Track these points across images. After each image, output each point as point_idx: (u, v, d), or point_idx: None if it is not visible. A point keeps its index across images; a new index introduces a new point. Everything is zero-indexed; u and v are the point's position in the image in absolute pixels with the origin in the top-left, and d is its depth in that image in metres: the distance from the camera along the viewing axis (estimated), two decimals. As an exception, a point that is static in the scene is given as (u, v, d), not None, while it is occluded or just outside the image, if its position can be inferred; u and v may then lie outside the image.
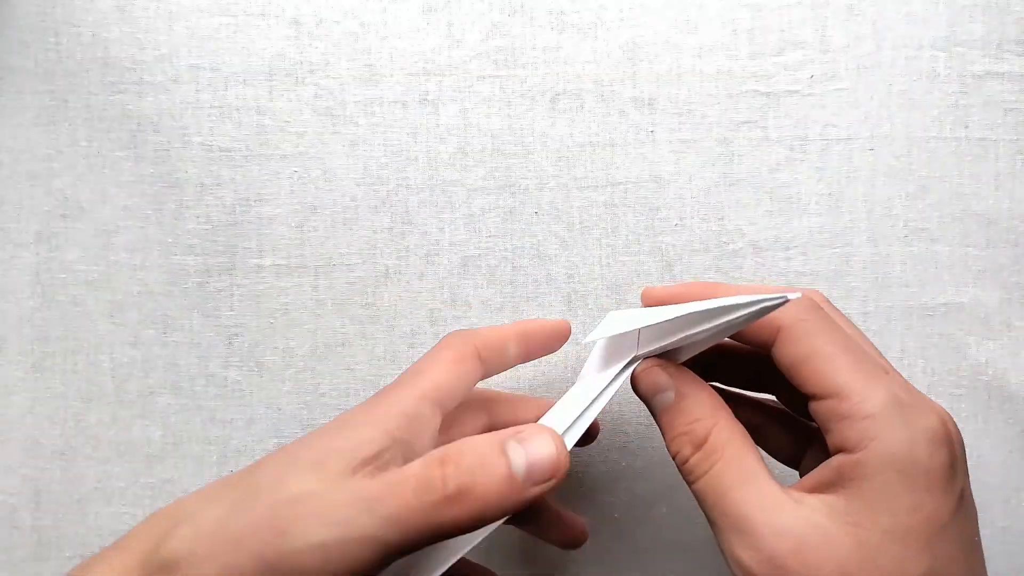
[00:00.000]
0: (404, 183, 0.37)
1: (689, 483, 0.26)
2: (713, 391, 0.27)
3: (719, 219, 0.37)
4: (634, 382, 0.28)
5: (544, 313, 0.37)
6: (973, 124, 0.37)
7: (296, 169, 0.37)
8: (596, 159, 0.37)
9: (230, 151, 0.37)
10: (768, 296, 0.24)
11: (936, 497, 0.23)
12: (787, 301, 0.23)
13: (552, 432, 0.24)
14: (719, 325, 0.25)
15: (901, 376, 0.26)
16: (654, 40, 0.37)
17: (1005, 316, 0.37)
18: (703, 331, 0.26)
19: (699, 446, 0.25)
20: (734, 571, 0.24)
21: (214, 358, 0.37)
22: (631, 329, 0.28)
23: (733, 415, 0.26)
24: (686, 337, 0.26)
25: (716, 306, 0.25)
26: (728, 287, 0.29)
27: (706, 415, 0.26)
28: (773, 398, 0.31)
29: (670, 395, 0.27)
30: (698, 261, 0.37)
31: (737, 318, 0.25)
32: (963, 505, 0.23)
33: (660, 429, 0.27)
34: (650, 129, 0.37)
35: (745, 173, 0.37)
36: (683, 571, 0.37)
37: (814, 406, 0.25)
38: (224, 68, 0.37)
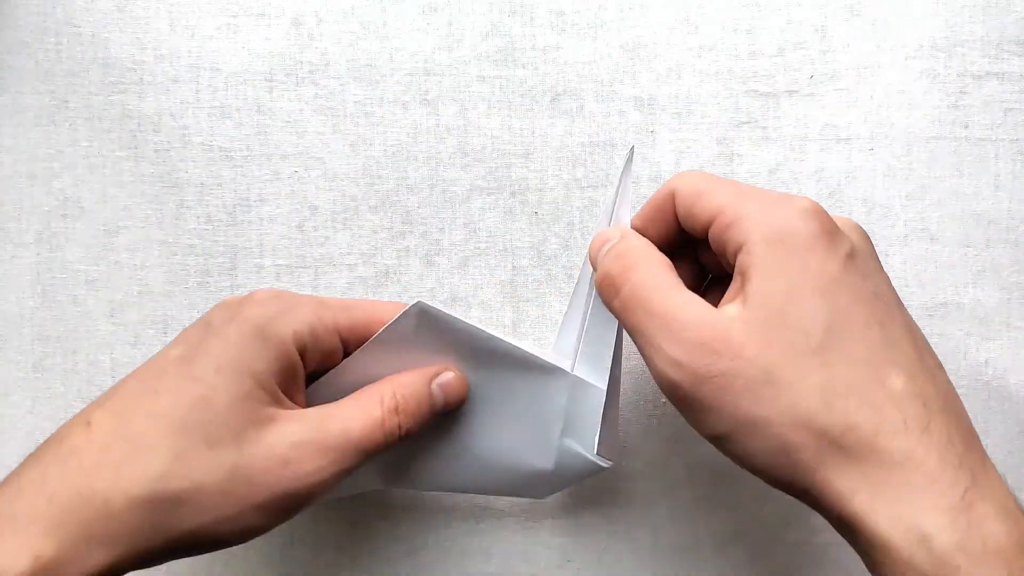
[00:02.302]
0: (404, 183, 0.37)
1: (611, 301, 0.28)
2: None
3: (719, 219, 0.37)
4: (589, 249, 0.31)
5: (543, 313, 0.37)
6: (973, 124, 0.37)
7: (296, 169, 0.37)
8: (596, 159, 0.37)
9: (230, 151, 0.37)
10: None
11: (819, 256, 0.25)
12: (632, 148, 0.30)
13: (457, 372, 0.32)
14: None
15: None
16: (654, 40, 0.37)
17: (1005, 316, 0.37)
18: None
19: (620, 258, 0.28)
20: (663, 370, 0.25)
21: (214, 358, 0.37)
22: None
23: (652, 245, 0.29)
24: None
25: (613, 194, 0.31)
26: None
27: (629, 238, 0.29)
28: None
29: (614, 238, 0.29)
30: (698, 261, 0.37)
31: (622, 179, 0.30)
32: (854, 266, 0.25)
33: (598, 272, 0.29)
34: (650, 129, 0.37)
35: (745, 173, 0.37)
36: (683, 571, 0.37)
37: (711, 235, 0.27)
38: (224, 68, 0.37)
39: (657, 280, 0.27)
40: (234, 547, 0.36)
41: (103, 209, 0.37)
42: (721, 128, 0.37)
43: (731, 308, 0.25)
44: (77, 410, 0.36)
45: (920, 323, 0.29)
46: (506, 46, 0.37)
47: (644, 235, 0.30)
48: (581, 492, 0.37)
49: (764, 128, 0.37)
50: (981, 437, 0.25)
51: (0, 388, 0.37)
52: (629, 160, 0.30)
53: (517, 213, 0.37)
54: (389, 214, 0.37)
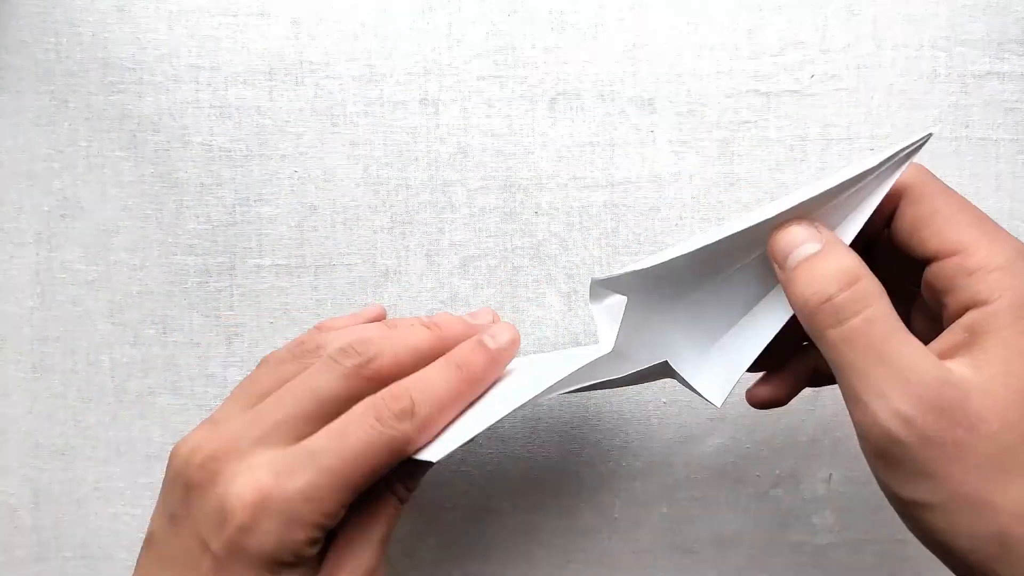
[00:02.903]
0: (404, 183, 0.37)
1: (826, 328, 0.24)
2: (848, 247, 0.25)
3: (719, 219, 0.37)
4: (774, 241, 0.26)
5: (544, 313, 0.37)
6: (974, 124, 0.37)
7: (296, 169, 0.37)
8: (596, 159, 0.37)
9: (230, 151, 0.37)
10: (904, 145, 0.24)
11: None
12: (929, 136, 0.24)
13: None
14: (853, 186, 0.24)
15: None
16: (654, 40, 0.37)
17: (1005, 316, 0.37)
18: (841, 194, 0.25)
19: (850, 284, 0.24)
20: (885, 422, 0.22)
21: (214, 358, 0.37)
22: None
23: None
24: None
25: (844, 178, 0.24)
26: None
27: (856, 263, 0.24)
28: None
29: (814, 245, 0.25)
30: (698, 261, 0.37)
31: (876, 173, 0.24)
32: None
33: (791, 282, 0.25)
34: (650, 129, 0.37)
35: (745, 173, 0.37)
36: (683, 571, 0.37)
37: (935, 267, 0.24)
38: (224, 68, 0.37)
39: (891, 323, 0.23)
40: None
41: (103, 209, 0.37)
42: (721, 128, 0.37)
43: (963, 370, 0.23)
44: (77, 410, 0.37)
45: None
46: (506, 46, 0.37)
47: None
48: (581, 492, 0.37)
49: (764, 128, 0.37)
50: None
51: (0, 388, 0.37)
52: (909, 152, 0.24)
53: (517, 213, 0.37)
54: (389, 214, 0.37)
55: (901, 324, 0.23)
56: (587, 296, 0.37)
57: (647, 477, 0.37)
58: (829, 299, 0.24)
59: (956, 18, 0.37)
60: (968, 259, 0.23)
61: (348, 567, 0.27)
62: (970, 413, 0.22)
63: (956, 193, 0.25)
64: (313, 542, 0.25)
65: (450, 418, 0.28)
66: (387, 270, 0.37)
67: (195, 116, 0.37)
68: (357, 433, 0.26)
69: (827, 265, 0.24)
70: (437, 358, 0.29)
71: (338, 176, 0.37)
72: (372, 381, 0.28)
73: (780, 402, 0.30)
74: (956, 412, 0.22)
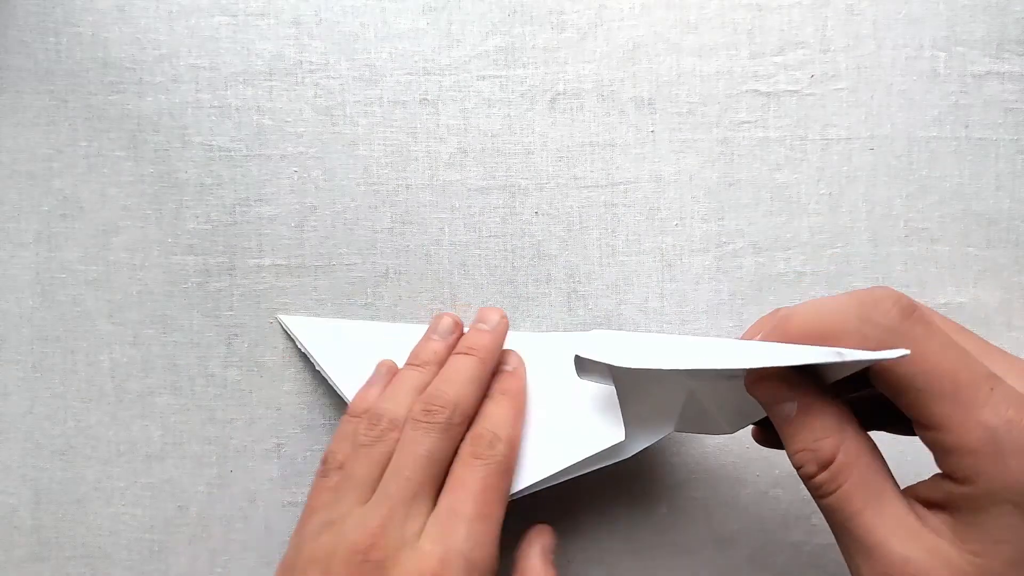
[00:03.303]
0: (404, 183, 0.37)
1: (815, 498, 0.25)
2: (838, 403, 0.25)
3: (719, 219, 0.37)
4: (751, 388, 0.27)
5: (544, 313, 0.37)
6: (973, 124, 0.37)
7: (296, 169, 0.37)
8: (596, 159, 0.37)
9: (230, 151, 0.37)
10: (878, 355, 0.23)
11: None
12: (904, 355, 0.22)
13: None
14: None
15: (1011, 374, 0.24)
16: (654, 40, 0.37)
17: (1005, 316, 0.37)
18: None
19: (825, 465, 0.24)
20: None
21: (214, 358, 0.37)
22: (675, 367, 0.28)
23: (860, 428, 0.25)
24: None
25: (811, 362, 0.24)
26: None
27: (832, 431, 0.25)
28: None
29: (792, 406, 0.25)
30: (698, 261, 0.37)
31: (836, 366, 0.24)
32: None
33: (781, 438, 0.26)
34: (650, 129, 0.37)
35: (745, 173, 0.37)
36: (683, 571, 0.37)
37: (917, 432, 0.24)
38: (224, 68, 0.37)
39: (865, 494, 0.24)
40: (233, 547, 0.36)
41: (102, 209, 0.37)
42: (721, 128, 0.37)
43: (945, 546, 0.23)
44: (77, 410, 0.37)
45: None
46: (506, 46, 0.37)
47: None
48: (581, 493, 0.37)
49: (764, 128, 0.37)
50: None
51: (0, 388, 0.37)
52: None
53: (517, 213, 0.37)
54: (389, 214, 0.37)
55: (876, 490, 0.24)
56: (587, 297, 0.37)
57: (647, 477, 0.37)
58: (811, 477, 0.25)
59: (956, 18, 0.37)
60: (940, 436, 0.23)
61: None
62: None
63: (934, 344, 0.24)
64: None
65: (520, 429, 0.33)
66: (387, 270, 0.37)
67: (195, 116, 0.37)
68: (473, 477, 0.29)
69: (804, 438, 0.25)
70: (485, 377, 0.33)
71: (338, 176, 0.37)
72: (462, 426, 0.31)
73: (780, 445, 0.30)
74: None
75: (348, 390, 0.35)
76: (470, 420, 0.32)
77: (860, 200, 0.37)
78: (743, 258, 0.37)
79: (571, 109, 0.37)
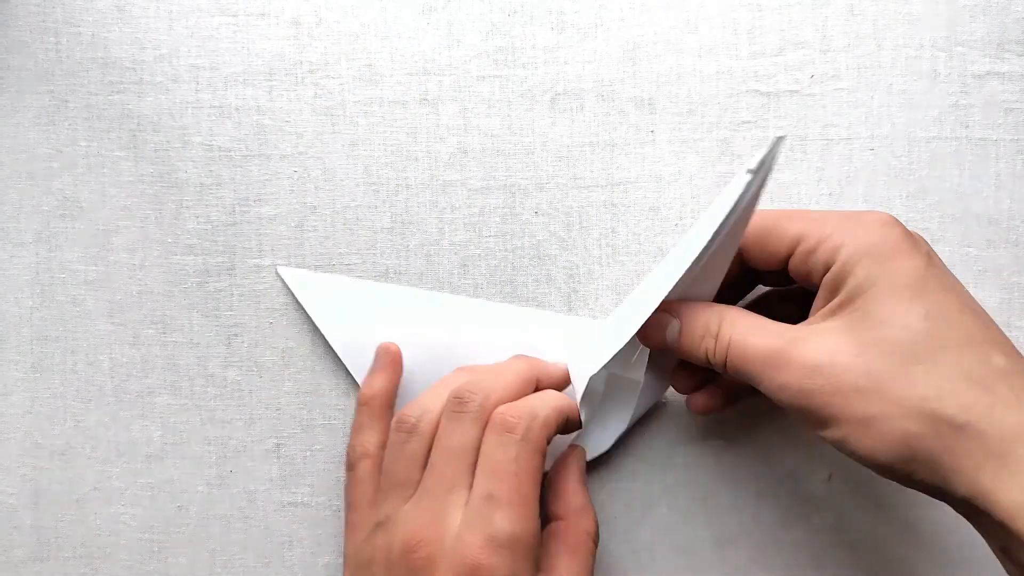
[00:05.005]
0: (404, 183, 0.37)
1: (723, 367, 0.29)
2: (709, 302, 0.30)
3: (719, 219, 0.37)
4: (642, 339, 0.31)
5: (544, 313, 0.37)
6: (973, 124, 0.37)
7: (296, 169, 0.37)
8: (596, 159, 0.37)
9: (230, 151, 0.37)
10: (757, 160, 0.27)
11: (905, 258, 0.27)
12: (781, 138, 0.27)
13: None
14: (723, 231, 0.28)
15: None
16: (654, 40, 0.37)
17: (1005, 316, 0.37)
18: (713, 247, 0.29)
19: (715, 335, 0.29)
20: (782, 400, 0.27)
21: (214, 358, 0.37)
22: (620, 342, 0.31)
23: (735, 307, 0.30)
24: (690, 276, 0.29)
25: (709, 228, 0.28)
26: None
27: (711, 314, 0.30)
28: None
29: (675, 323, 0.30)
30: (698, 261, 0.37)
31: (740, 204, 0.28)
32: (934, 262, 0.28)
33: (682, 354, 0.31)
34: (650, 129, 0.37)
35: (744, 174, 0.37)
36: (683, 571, 0.37)
37: (792, 264, 0.29)
38: (224, 68, 0.37)
39: (754, 329, 0.28)
40: (233, 548, 0.36)
41: (102, 209, 0.37)
42: (721, 128, 0.37)
43: (828, 322, 0.27)
44: (76, 410, 0.37)
45: None
46: (506, 46, 0.37)
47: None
48: (581, 492, 0.37)
49: (764, 128, 0.37)
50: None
51: (0, 388, 0.37)
52: (759, 171, 0.27)
53: (517, 213, 0.37)
54: (389, 214, 0.37)
55: (760, 322, 0.28)
56: (587, 297, 0.37)
57: (647, 477, 0.37)
58: (712, 352, 0.29)
59: (956, 18, 0.37)
60: (808, 242, 0.28)
61: None
62: (837, 356, 0.26)
63: (780, 210, 0.30)
64: (535, 560, 0.29)
65: (560, 419, 0.31)
66: (387, 270, 0.37)
67: (195, 116, 0.37)
68: (506, 456, 0.29)
69: (695, 332, 0.30)
70: (531, 379, 0.33)
71: (338, 176, 0.37)
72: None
73: (718, 408, 0.34)
74: (824, 361, 0.26)
75: (345, 352, 0.36)
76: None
77: (860, 200, 0.37)
78: (743, 258, 0.37)
79: (571, 109, 0.37)
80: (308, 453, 0.37)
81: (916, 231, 0.30)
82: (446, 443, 0.30)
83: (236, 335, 0.37)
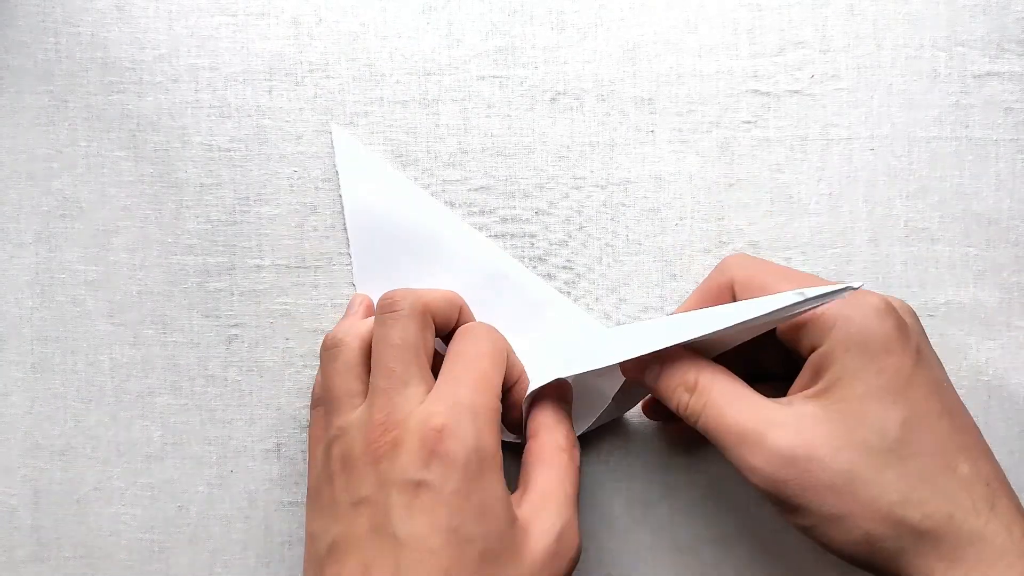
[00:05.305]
0: (404, 183, 0.37)
1: (694, 424, 0.29)
2: (693, 352, 0.30)
3: (719, 219, 0.37)
4: (624, 371, 0.31)
5: (544, 313, 0.37)
6: (974, 124, 0.37)
7: (296, 169, 0.37)
8: (596, 159, 0.37)
9: (230, 151, 0.37)
10: (836, 286, 0.26)
11: (894, 356, 0.27)
12: (851, 287, 0.26)
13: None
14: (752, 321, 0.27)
15: None
16: (654, 40, 0.37)
17: (1005, 316, 0.37)
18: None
19: (692, 390, 0.29)
20: (751, 481, 0.27)
21: (214, 358, 0.37)
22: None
23: (715, 364, 0.30)
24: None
25: (754, 316, 0.27)
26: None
27: (691, 367, 0.29)
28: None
29: (655, 366, 0.30)
30: (698, 261, 0.37)
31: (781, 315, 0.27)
32: (922, 358, 0.27)
33: (658, 395, 0.31)
34: (650, 129, 0.37)
35: (745, 173, 0.37)
36: (683, 571, 0.37)
37: (780, 329, 0.29)
38: (224, 68, 0.37)
39: (730, 396, 0.28)
40: (234, 548, 0.36)
41: (102, 209, 0.37)
42: (721, 128, 0.37)
43: (808, 407, 0.27)
44: (76, 410, 0.37)
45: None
46: (506, 46, 0.37)
47: None
48: (581, 492, 0.37)
49: (764, 128, 0.37)
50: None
51: (0, 388, 0.37)
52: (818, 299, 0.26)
53: (517, 213, 0.37)
54: (389, 214, 0.37)
55: (738, 392, 0.28)
56: (587, 297, 0.37)
57: (647, 477, 0.37)
58: (685, 406, 0.29)
59: (956, 18, 0.37)
60: (811, 332, 0.28)
61: (542, 521, 0.28)
62: (813, 448, 0.26)
63: (775, 266, 0.31)
64: (496, 429, 0.29)
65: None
66: (387, 270, 0.37)
67: (195, 116, 0.37)
68: (474, 349, 0.30)
69: (672, 381, 0.30)
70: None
71: (338, 176, 0.37)
72: (426, 315, 0.31)
73: (670, 417, 0.35)
74: (799, 451, 0.26)
75: (357, 248, 0.36)
76: (437, 320, 0.32)
77: (860, 200, 0.37)
78: (743, 258, 0.37)
79: (571, 109, 0.37)
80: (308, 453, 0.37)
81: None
82: (387, 342, 0.30)
83: (236, 335, 0.37)
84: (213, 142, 0.37)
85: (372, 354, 0.30)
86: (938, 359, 0.29)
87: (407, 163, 0.37)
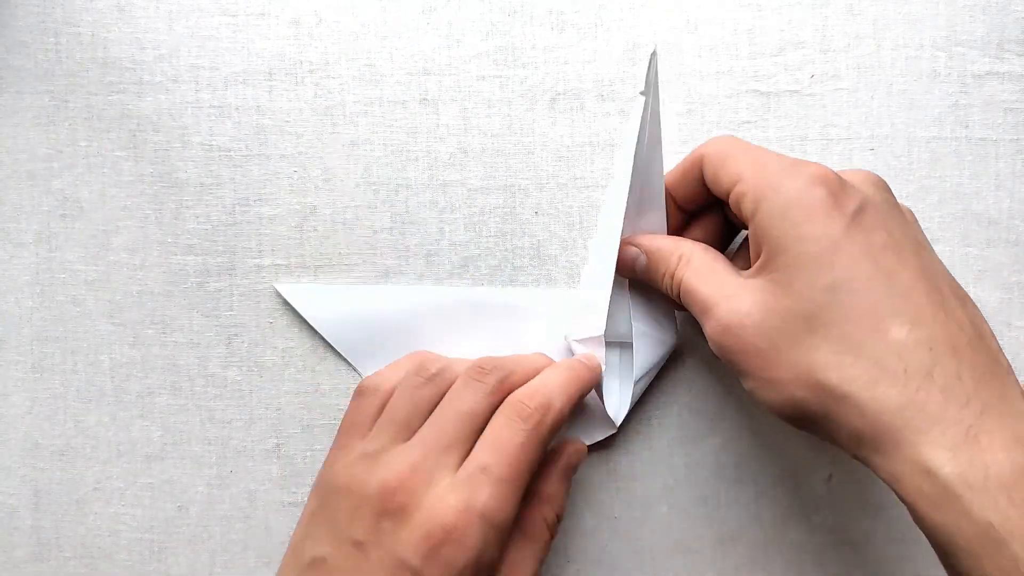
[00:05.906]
0: (404, 183, 0.37)
1: (677, 297, 0.31)
2: (671, 236, 0.33)
3: (719, 219, 0.37)
4: (619, 272, 0.34)
5: (544, 313, 0.37)
6: (973, 124, 0.37)
7: (296, 169, 0.37)
8: (596, 159, 0.37)
9: (230, 151, 0.37)
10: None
11: (818, 224, 0.27)
12: (654, 53, 0.31)
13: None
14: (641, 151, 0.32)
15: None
16: (654, 40, 0.37)
17: (1006, 316, 0.37)
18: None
19: (672, 271, 0.31)
20: (709, 343, 0.30)
21: (213, 358, 0.37)
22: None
23: (694, 241, 0.32)
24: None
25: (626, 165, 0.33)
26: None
27: (672, 248, 0.32)
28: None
29: (642, 257, 0.33)
30: (698, 261, 0.37)
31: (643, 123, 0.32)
32: (860, 220, 0.27)
33: (652, 282, 0.33)
34: (650, 129, 0.37)
35: (745, 173, 0.37)
36: (683, 571, 0.37)
37: (730, 202, 0.30)
38: (224, 68, 0.37)
39: (704, 271, 0.30)
40: (234, 547, 0.36)
41: (102, 209, 0.37)
42: (721, 128, 0.37)
43: (754, 280, 0.29)
44: (76, 410, 0.37)
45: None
46: (506, 46, 0.37)
47: (675, 194, 0.33)
48: (581, 492, 0.37)
49: (764, 128, 0.37)
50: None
51: (0, 388, 0.37)
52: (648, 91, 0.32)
53: (517, 213, 0.37)
54: (389, 214, 0.37)
55: (710, 267, 0.30)
56: (587, 296, 0.37)
57: (647, 477, 0.37)
58: (670, 286, 0.32)
59: (956, 18, 0.37)
60: (742, 185, 0.29)
61: None
62: (746, 318, 0.28)
63: (746, 144, 0.31)
64: (503, 545, 0.29)
65: (573, 406, 0.32)
66: (387, 270, 0.37)
67: (195, 116, 0.37)
68: (512, 439, 0.29)
69: (659, 266, 0.32)
70: (558, 370, 0.33)
71: (338, 176, 0.37)
72: (503, 391, 0.31)
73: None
74: (735, 320, 0.28)
75: (355, 358, 0.36)
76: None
77: (860, 200, 0.37)
78: (743, 258, 0.37)
79: (571, 109, 0.37)
80: (308, 453, 0.37)
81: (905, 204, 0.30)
82: (456, 404, 0.30)
83: (236, 335, 0.37)
84: (213, 142, 0.37)
85: (440, 402, 0.31)
86: (900, 223, 0.28)
87: (407, 163, 0.37)
